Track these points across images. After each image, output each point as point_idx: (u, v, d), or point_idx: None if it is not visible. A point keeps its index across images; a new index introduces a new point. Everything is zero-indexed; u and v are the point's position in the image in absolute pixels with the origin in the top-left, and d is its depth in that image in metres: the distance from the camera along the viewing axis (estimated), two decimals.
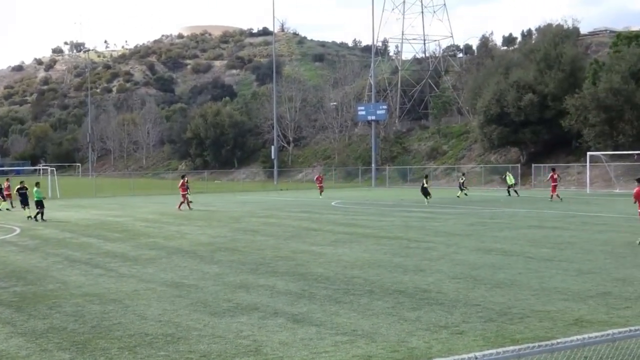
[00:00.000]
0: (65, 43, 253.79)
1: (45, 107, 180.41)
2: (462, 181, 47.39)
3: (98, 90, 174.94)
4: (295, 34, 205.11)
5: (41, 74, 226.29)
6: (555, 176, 40.61)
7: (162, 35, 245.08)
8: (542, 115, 60.56)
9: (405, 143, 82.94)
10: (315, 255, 17.69)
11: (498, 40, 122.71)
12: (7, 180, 41.08)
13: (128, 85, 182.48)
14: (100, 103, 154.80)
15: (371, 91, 79.11)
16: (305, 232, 23.69)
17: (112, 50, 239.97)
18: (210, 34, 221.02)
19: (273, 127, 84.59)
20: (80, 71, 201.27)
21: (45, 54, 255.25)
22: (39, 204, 31.69)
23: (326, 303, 11.55)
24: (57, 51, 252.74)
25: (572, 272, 14.30)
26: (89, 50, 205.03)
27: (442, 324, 10.04)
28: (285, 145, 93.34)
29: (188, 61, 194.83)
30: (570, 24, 73.13)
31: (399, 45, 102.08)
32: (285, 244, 20.59)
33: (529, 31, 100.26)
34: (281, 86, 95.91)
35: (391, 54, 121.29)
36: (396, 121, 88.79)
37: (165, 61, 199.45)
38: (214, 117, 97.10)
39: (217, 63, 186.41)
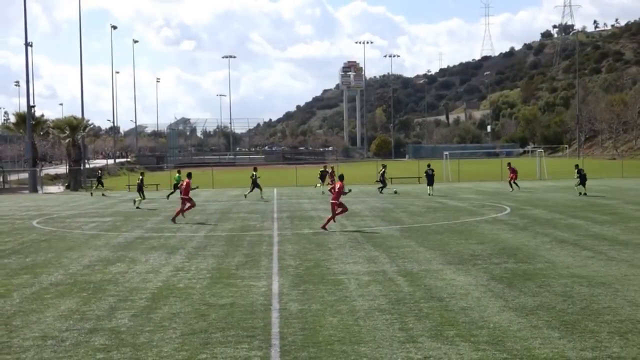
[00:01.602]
0: (554, 27, 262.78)
1: (534, 91, 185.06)
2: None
3: (586, 72, 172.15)
4: None
5: (530, 58, 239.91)
6: None
7: None
8: None
9: None
10: None
11: None
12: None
13: (618, 64, 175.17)
14: (587, 84, 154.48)
15: None
16: None
17: (602, 30, 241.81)
18: None
19: None
20: (568, 53, 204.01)
21: (535, 38, 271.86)
22: (175, 187, 38.36)
23: None
24: (546, 35, 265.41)
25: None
26: (577, 31, 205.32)
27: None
28: None
29: None
30: None
31: None
32: None
33: None
34: None
35: None
36: None
37: None
38: None
39: None
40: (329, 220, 22.67)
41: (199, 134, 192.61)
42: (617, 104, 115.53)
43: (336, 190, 22.38)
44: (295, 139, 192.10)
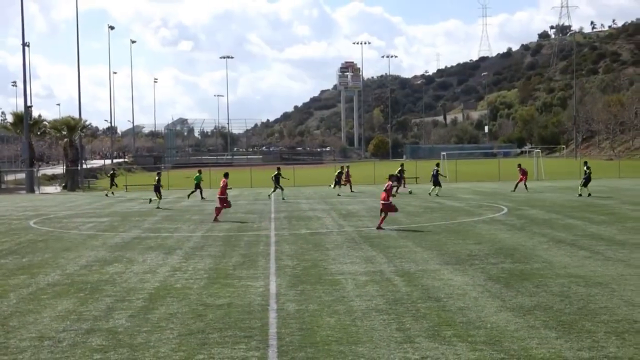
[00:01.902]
0: (551, 27, 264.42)
1: (532, 91, 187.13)
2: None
3: (583, 72, 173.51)
4: None
5: (528, 59, 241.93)
6: None
7: None
8: None
9: None
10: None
11: None
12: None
13: (615, 65, 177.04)
14: (584, 85, 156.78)
15: None
16: None
17: (599, 31, 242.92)
18: None
19: None
20: (566, 54, 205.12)
21: (532, 39, 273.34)
22: (197, 186, 39.90)
23: None
24: (544, 36, 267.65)
25: None
26: (575, 32, 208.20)
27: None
28: None
29: None
30: None
31: None
32: None
33: None
34: None
35: None
36: None
37: None
38: None
39: None
40: (382, 219, 22.77)
41: (196, 134, 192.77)
42: (614, 104, 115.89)
43: (387, 189, 22.70)
44: (293, 139, 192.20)
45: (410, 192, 40.72)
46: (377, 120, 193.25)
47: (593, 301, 11.18)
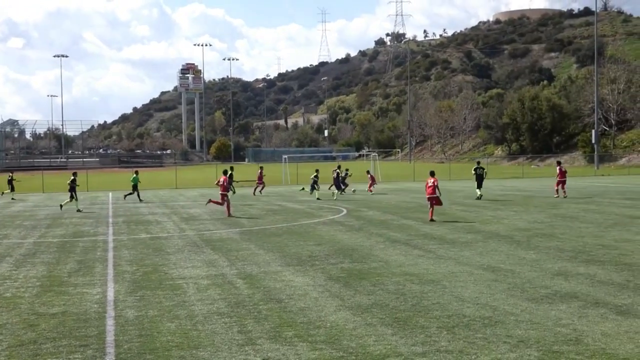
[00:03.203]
0: (387, 35, 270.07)
1: (369, 97, 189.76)
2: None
3: (417, 79, 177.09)
4: (620, 12, 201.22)
5: (365, 65, 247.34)
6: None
7: (480, 22, 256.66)
8: None
9: None
10: None
11: None
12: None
13: (445, 72, 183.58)
14: (418, 91, 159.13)
15: None
16: (630, 220, 23.22)
17: (431, 39, 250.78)
18: (528, 18, 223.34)
19: (594, 111, 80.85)
20: (400, 61, 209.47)
21: (369, 45, 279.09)
22: (134, 188, 38.82)
23: None
24: (380, 43, 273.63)
25: None
26: (409, 40, 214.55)
27: None
28: (607, 129, 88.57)
29: (505, 46, 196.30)
30: None
31: None
32: (607, 232, 20.32)
33: None
34: (603, 67, 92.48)
35: None
36: None
37: (482, 47, 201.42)
38: (531, 101, 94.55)
39: (535, 47, 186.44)
40: (432, 211, 24.29)
41: (28, 136, 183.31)
42: (445, 110, 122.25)
43: (429, 185, 24.23)
44: (132, 141, 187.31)
45: (354, 191, 41.44)
46: (219, 123, 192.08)
47: (426, 298, 11.65)
